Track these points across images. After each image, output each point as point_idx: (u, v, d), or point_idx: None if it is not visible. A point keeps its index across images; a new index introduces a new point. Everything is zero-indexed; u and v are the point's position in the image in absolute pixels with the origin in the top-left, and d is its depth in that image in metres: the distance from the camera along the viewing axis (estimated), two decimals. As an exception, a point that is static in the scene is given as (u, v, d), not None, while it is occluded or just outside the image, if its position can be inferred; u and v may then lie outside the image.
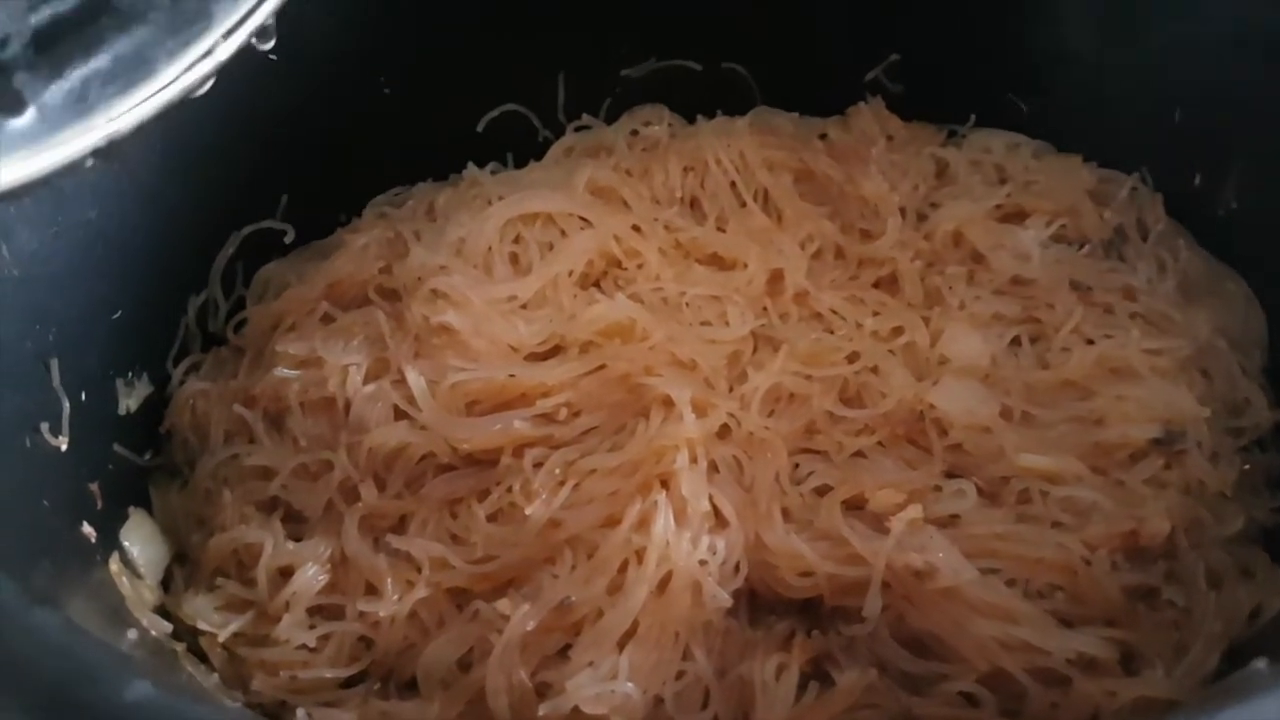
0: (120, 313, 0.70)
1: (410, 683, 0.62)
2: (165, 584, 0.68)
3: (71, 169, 0.41)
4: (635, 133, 0.87)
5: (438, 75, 0.84)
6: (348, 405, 0.69)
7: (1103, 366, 0.69)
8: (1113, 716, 0.56)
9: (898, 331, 0.73)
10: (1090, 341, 0.71)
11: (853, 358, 0.71)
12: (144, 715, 0.39)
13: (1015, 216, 0.80)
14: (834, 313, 0.75)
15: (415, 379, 0.68)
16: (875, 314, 0.74)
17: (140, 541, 0.67)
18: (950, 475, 0.65)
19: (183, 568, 0.69)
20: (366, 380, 0.70)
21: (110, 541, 0.65)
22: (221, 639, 0.63)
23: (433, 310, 0.71)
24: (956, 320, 0.72)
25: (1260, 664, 0.47)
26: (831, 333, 0.74)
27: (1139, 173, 0.82)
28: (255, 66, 0.76)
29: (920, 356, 0.71)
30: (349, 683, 0.63)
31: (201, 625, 0.63)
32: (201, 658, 0.63)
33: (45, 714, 0.40)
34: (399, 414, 0.68)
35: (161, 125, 0.72)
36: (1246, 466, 0.69)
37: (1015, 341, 0.72)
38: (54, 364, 0.64)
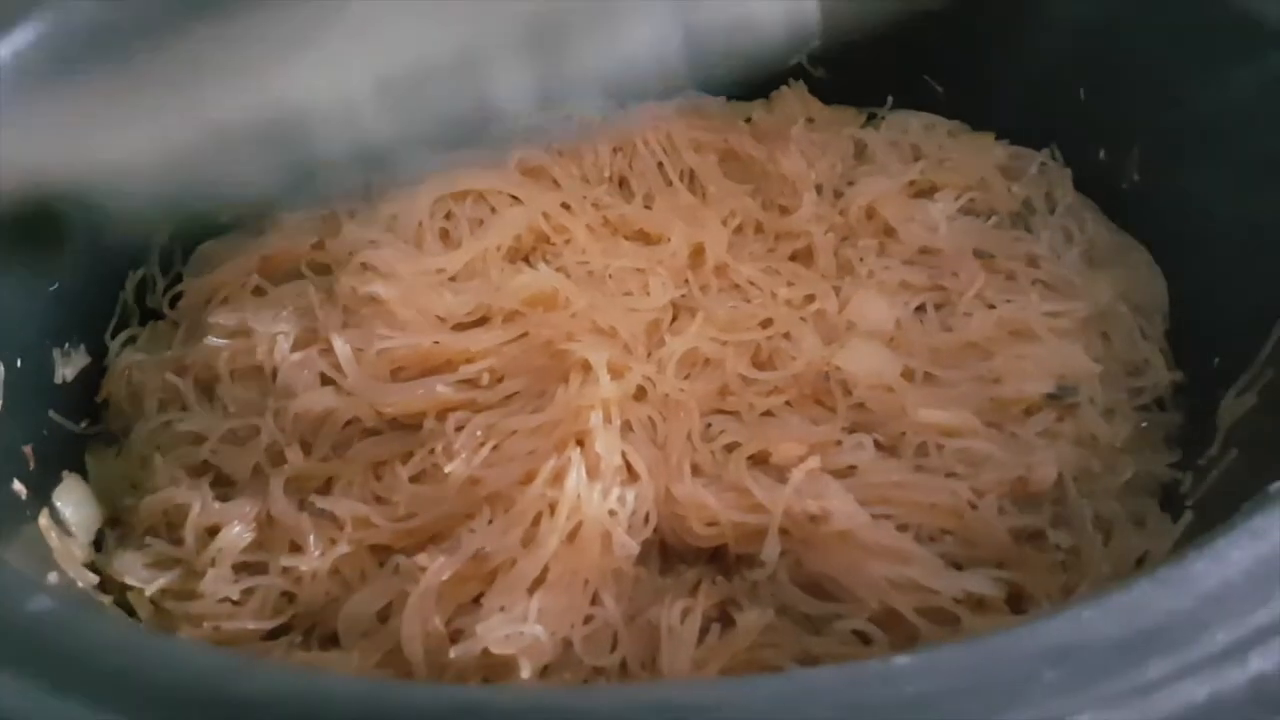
0: (57, 284, 0.73)
1: (332, 636, 0.64)
2: (98, 546, 0.70)
3: None
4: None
5: (372, 60, 0.87)
6: (274, 372, 0.71)
7: (1003, 329, 0.72)
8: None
9: (809, 300, 0.76)
10: (992, 306, 0.74)
11: (766, 324, 0.74)
12: (45, 626, 0.41)
13: (928, 192, 0.83)
14: (751, 284, 0.77)
15: (341, 346, 0.71)
16: (790, 284, 0.77)
17: (73, 504, 0.69)
18: (852, 431, 0.68)
19: (115, 531, 0.71)
20: (294, 349, 0.72)
21: (42, 500, 0.67)
22: (149, 593, 0.65)
23: (361, 282, 0.73)
24: (865, 288, 0.75)
25: None
26: (748, 302, 0.76)
27: (1048, 149, 0.85)
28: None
29: (829, 322, 0.74)
30: (273, 635, 0.65)
31: (129, 580, 0.65)
32: (130, 612, 0.65)
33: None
34: (325, 380, 0.70)
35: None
36: (1144, 424, 0.72)
37: (921, 308, 0.75)
38: (-12, 328, 0.67)
